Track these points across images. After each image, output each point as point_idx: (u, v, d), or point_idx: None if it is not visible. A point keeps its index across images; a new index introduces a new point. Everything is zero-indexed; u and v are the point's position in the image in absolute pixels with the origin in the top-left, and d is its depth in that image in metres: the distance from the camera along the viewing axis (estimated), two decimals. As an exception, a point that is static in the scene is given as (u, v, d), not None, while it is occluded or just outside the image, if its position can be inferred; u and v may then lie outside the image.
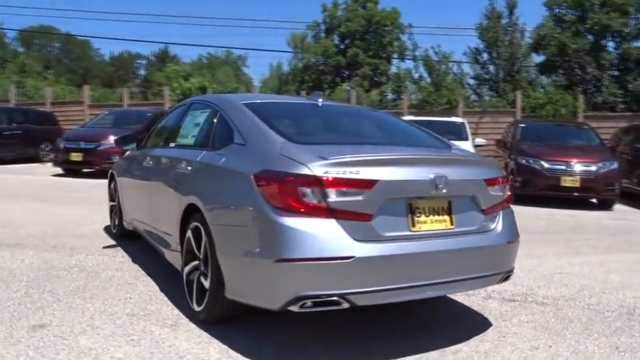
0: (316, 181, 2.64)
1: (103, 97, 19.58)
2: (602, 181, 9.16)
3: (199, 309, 3.28)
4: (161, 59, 54.11)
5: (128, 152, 5.76)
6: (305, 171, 2.67)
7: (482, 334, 3.26)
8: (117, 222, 5.66)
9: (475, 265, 3.03)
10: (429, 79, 17.19)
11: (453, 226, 2.97)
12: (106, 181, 6.26)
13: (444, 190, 2.90)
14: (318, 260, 2.59)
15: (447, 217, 2.97)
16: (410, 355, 2.91)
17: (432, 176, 2.87)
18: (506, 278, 3.28)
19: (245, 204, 2.85)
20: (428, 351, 2.97)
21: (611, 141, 11.65)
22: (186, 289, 3.51)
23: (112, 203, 5.92)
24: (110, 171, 6.03)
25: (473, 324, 3.46)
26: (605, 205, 9.49)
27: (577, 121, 14.63)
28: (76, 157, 11.92)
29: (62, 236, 5.79)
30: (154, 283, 4.15)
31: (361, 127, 4.03)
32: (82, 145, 12.04)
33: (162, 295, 3.87)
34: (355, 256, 2.61)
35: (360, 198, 2.68)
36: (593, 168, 9.19)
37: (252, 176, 2.84)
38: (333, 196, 2.65)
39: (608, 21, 16.09)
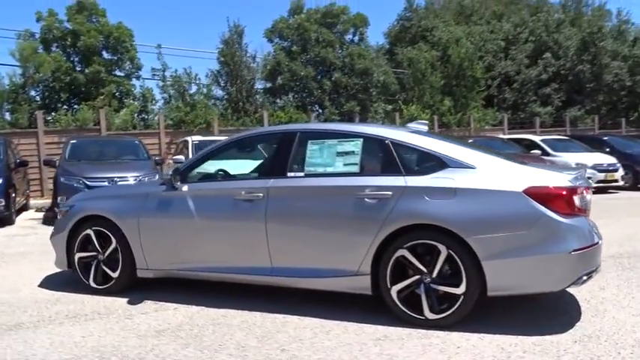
0: (577, 190, 3.61)
1: None
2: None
3: (438, 316, 3.68)
4: None
5: (126, 188, 4.88)
6: (570, 184, 3.61)
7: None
8: (117, 274, 4.74)
9: None
10: (180, 99, 17.29)
11: None
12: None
13: None
14: (590, 247, 3.58)
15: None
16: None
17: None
18: None
19: (521, 214, 3.52)
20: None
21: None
22: (401, 306, 3.78)
23: (85, 254, 4.88)
24: (77, 217, 4.89)
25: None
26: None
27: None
28: None
29: (46, 303, 4.53)
30: (310, 317, 4.00)
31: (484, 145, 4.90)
32: None
33: (352, 322, 3.88)
34: (600, 241, 3.70)
35: (585, 200, 3.76)
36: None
37: (521, 192, 3.55)
38: (580, 200, 3.66)
39: (325, 54, 19.60)
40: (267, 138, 4.75)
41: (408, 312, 3.77)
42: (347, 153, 4.14)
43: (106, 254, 4.81)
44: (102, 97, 16.12)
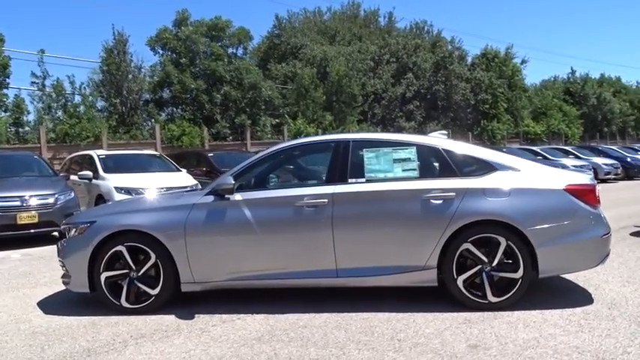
0: (596, 187, 4.47)
1: None
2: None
3: (499, 299, 4.27)
4: None
5: (191, 200, 4.65)
6: (592, 182, 4.46)
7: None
8: (156, 291, 4.55)
9: None
10: (62, 111, 15.80)
11: None
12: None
13: None
14: (609, 233, 4.45)
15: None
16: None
17: None
18: None
19: (564, 207, 4.26)
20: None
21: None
22: (465, 292, 4.30)
23: (113, 273, 4.62)
24: (104, 233, 4.57)
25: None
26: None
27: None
28: None
29: (84, 328, 4.21)
30: (381, 312, 4.29)
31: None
32: None
33: (424, 313, 4.28)
34: (611, 231, 4.60)
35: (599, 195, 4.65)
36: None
37: (562, 189, 4.30)
38: (598, 195, 4.53)
39: (215, 67, 19.40)
40: (320, 147, 4.97)
41: (473, 298, 4.30)
42: (403, 160, 4.55)
43: (142, 271, 4.58)
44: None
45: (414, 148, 4.60)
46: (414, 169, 4.52)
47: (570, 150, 23.67)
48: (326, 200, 4.42)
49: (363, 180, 4.52)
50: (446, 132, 5.40)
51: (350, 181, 4.51)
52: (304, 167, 5.17)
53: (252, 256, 4.51)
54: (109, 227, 4.60)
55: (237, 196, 4.55)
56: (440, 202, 4.33)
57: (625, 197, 14.17)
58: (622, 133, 42.71)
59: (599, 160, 21.24)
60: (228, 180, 4.52)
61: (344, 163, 4.57)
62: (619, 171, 21.26)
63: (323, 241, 4.40)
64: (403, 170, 4.53)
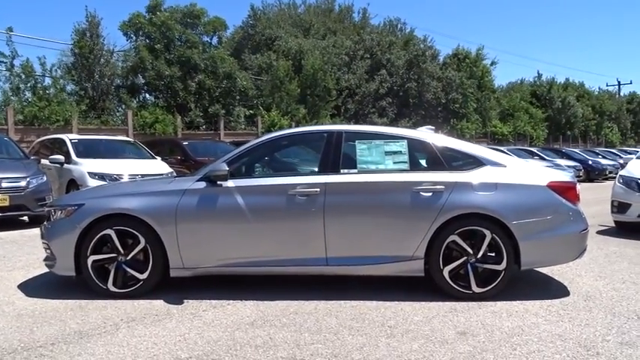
0: (576, 184, 4.68)
1: None
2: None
3: (483, 290, 4.42)
4: None
5: (179, 186, 4.61)
6: (573, 179, 4.66)
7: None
8: (145, 275, 4.54)
9: None
10: (31, 92, 15.32)
11: None
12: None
13: None
14: (587, 229, 4.66)
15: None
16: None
17: None
18: None
19: (546, 203, 4.44)
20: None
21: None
22: (450, 282, 4.44)
23: (101, 257, 4.58)
24: (93, 216, 4.52)
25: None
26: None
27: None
28: None
29: (72, 312, 4.17)
30: (368, 301, 4.40)
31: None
32: None
33: (410, 302, 4.41)
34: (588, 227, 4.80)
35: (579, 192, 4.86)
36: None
37: (545, 185, 4.48)
38: (579, 192, 4.74)
39: (190, 55, 19.13)
40: (313, 137, 5.01)
41: (458, 288, 4.44)
42: (395, 152, 4.66)
43: (131, 255, 4.56)
44: None
45: (405, 141, 4.71)
46: (405, 162, 4.63)
47: (535, 151, 24.37)
48: (318, 189, 4.48)
49: (355, 171, 4.61)
50: (433, 127, 5.53)
51: (342, 171, 4.59)
52: (297, 156, 5.21)
53: (243, 243, 4.54)
54: (98, 210, 4.56)
55: (230, 183, 4.57)
56: (429, 194, 4.45)
57: (588, 198, 14.68)
58: (584, 137, 44.10)
59: (563, 162, 21.97)
60: (222, 166, 4.53)
61: (337, 154, 4.64)
62: (581, 173, 22.05)
63: (314, 229, 4.46)
64: (394, 163, 4.64)
